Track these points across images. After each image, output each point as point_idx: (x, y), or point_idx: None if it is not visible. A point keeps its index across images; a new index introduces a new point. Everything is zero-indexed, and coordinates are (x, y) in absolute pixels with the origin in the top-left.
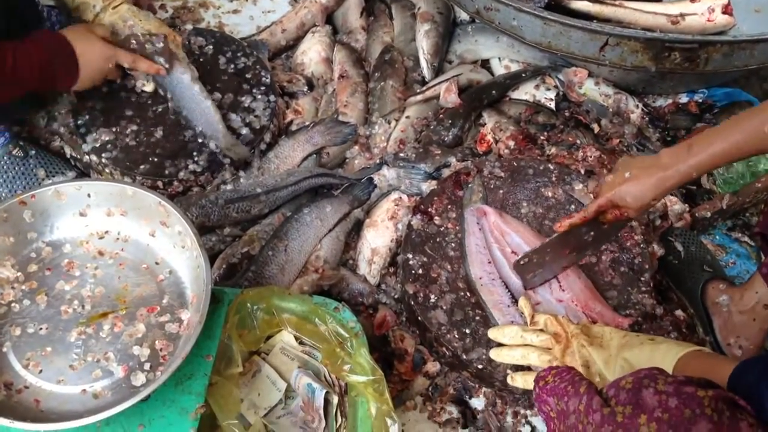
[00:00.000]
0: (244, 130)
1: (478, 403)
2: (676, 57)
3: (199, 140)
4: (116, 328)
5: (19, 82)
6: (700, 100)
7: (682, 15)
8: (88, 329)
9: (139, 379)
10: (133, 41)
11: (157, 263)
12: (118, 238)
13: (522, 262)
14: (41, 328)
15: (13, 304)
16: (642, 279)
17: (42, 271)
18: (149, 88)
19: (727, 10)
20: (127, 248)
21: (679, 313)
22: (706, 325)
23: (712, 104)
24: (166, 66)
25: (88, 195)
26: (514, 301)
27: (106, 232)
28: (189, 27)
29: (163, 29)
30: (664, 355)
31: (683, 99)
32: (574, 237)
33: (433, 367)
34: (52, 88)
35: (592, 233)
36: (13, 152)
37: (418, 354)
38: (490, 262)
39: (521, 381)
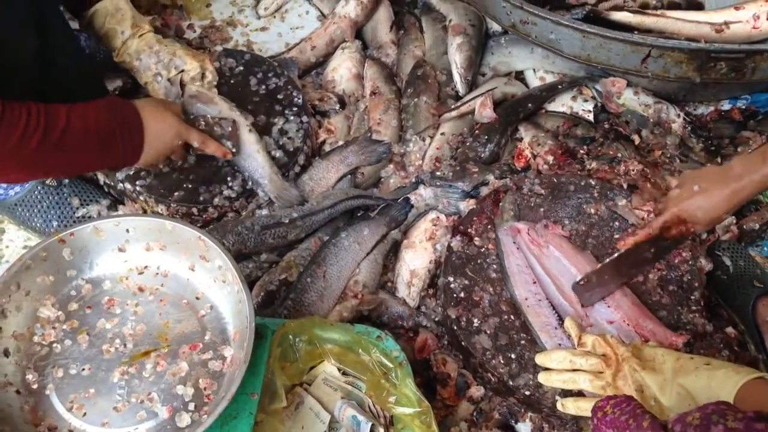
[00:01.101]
0: (278, 153)
1: (524, 428)
2: (722, 67)
3: (234, 165)
4: (159, 367)
5: (70, 148)
6: (743, 107)
7: (727, 23)
8: (131, 369)
9: (184, 420)
10: (202, 122)
11: (197, 298)
12: (157, 273)
13: (581, 282)
14: (83, 369)
15: (54, 345)
16: (692, 297)
17: (82, 309)
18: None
19: None
20: (167, 283)
21: (729, 330)
22: (759, 343)
23: (756, 110)
24: (233, 150)
25: (127, 230)
26: (561, 322)
27: (146, 267)
28: (219, 48)
29: (191, 57)
30: (723, 382)
31: (725, 106)
32: (634, 253)
33: (477, 391)
34: (111, 164)
35: (652, 250)
36: (47, 182)
37: (462, 378)
38: (534, 282)
39: (573, 407)
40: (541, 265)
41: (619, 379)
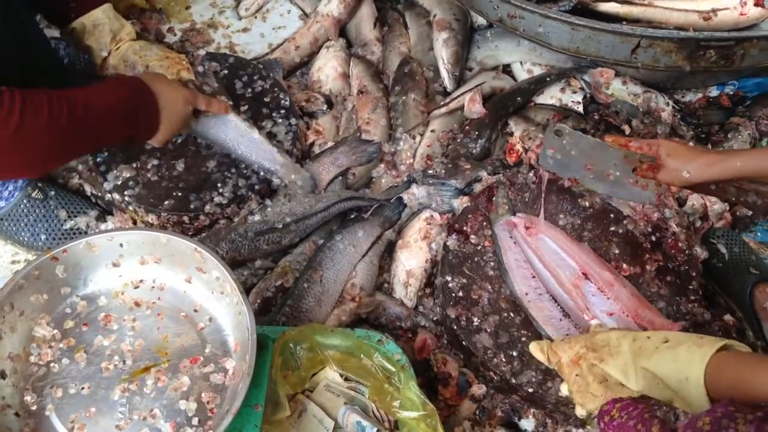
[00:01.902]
0: None
1: (527, 424)
2: (711, 55)
3: (224, 170)
4: (160, 382)
5: (94, 124)
6: (731, 93)
7: (714, 11)
8: (131, 386)
9: None
10: (191, 86)
11: (195, 311)
12: (153, 287)
13: (557, 132)
14: (83, 388)
15: (52, 365)
16: (690, 287)
17: (78, 327)
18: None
19: (759, 1)
20: (164, 297)
21: (727, 317)
22: (757, 330)
23: (744, 96)
24: (230, 102)
25: (121, 245)
26: (565, 314)
27: (141, 281)
28: (202, 52)
29: (166, 61)
30: (688, 362)
31: (714, 93)
32: (603, 155)
33: (478, 389)
34: (132, 138)
35: (617, 169)
36: (33, 195)
37: (463, 377)
38: (534, 277)
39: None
40: (539, 258)
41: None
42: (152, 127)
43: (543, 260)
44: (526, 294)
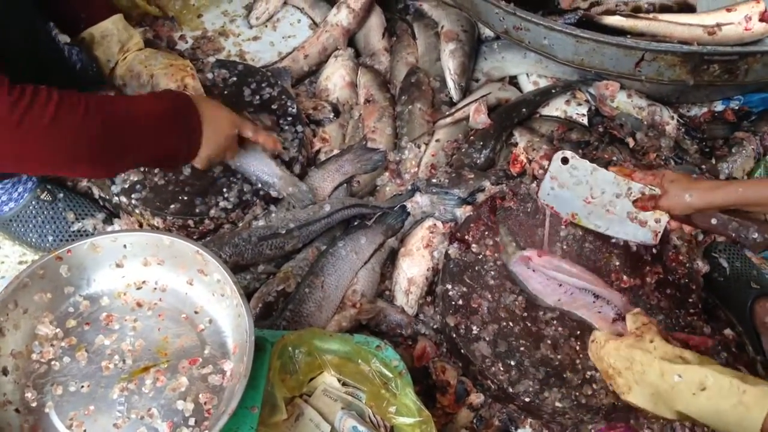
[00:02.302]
0: None
1: None
2: (715, 69)
3: (229, 175)
4: (159, 382)
5: (130, 138)
6: (737, 108)
7: (719, 25)
8: (131, 385)
9: None
10: (245, 114)
11: (196, 312)
12: (155, 288)
13: (564, 160)
14: (83, 386)
15: (53, 363)
16: (690, 300)
17: (81, 326)
18: None
19: (764, 17)
20: (166, 298)
21: (727, 332)
22: (756, 345)
23: (749, 111)
24: (281, 141)
25: (124, 246)
26: (596, 295)
27: (144, 282)
28: (212, 59)
29: (170, 68)
30: (740, 425)
31: (719, 107)
32: (606, 186)
33: (476, 398)
34: (173, 156)
35: (618, 203)
36: (41, 196)
37: (461, 385)
38: (560, 285)
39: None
40: (559, 271)
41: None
42: (193, 145)
43: (563, 271)
44: (559, 300)
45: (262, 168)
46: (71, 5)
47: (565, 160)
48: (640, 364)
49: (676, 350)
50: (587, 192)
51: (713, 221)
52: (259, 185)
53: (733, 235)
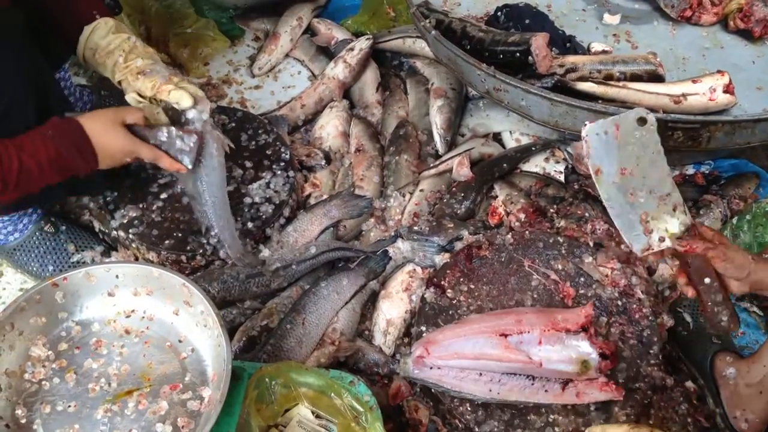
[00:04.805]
0: (264, 206)
1: None
2: (679, 136)
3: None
4: (141, 405)
5: (28, 185)
6: (707, 172)
7: (684, 95)
8: (114, 407)
9: None
10: (165, 133)
11: (180, 341)
12: (143, 317)
13: (641, 120)
14: (70, 406)
15: (43, 383)
16: (651, 351)
17: (71, 349)
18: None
19: (728, 89)
20: (152, 327)
21: (689, 384)
22: (716, 397)
23: (719, 175)
24: (189, 167)
25: (117, 276)
26: (530, 376)
27: (133, 311)
28: (213, 106)
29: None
30: None
31: (690, 171)
32: (654, 173)
33: None
34: (69, 178)
35: (647, 196)
36: (45, 228)
37: (432, 425)
38: (480, 374)
39: None
40: (462, 356)
41: None
42: (87, 168)
43: (466, 355)
44: (490, 390)
45: (224, 234)
46: (62, 19)
47: (642, 121)
48: None
49: None
50: (631, 164)
51: (706, 281)
52: (216, 240)
53: (708, 305)
